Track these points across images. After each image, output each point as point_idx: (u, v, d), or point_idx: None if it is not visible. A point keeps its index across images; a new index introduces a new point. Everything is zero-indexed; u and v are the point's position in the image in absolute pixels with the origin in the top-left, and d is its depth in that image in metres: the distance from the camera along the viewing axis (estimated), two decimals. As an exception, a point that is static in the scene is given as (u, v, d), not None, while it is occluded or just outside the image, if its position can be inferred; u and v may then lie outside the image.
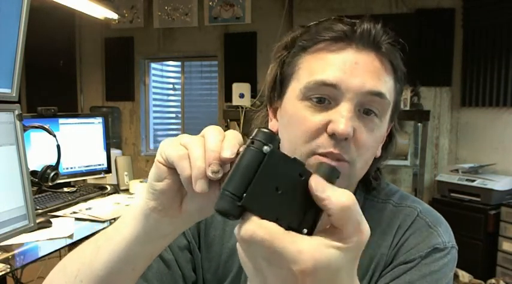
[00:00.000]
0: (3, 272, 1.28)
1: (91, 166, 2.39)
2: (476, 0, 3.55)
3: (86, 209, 1.96)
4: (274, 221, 0.35)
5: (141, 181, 2.37)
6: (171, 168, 0.43)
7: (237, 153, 0.39)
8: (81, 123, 2.35)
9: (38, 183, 1.87)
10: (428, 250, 0.64)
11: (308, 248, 0.34)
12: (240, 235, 0.35)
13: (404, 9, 3.82)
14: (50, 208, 1.90)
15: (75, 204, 2.04)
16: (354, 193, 0.70)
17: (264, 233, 0.34)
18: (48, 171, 1.86)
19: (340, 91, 0.60)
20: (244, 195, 0.35)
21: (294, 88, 0.64)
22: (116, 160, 2.45)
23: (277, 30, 3.70)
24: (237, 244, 0.37)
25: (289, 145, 0.63)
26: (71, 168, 2.29)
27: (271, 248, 0.34)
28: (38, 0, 1.66)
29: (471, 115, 3.68)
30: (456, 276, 3.00)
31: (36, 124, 1.86)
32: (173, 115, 4.95)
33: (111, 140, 3.32)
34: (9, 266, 1.32)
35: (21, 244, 1.48)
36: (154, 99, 4.97)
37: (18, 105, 1.26)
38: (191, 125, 4.87)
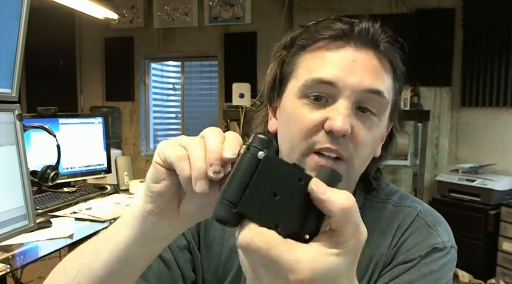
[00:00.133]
0: (3, 272, 1.28)
1: (91, 166, 2.39)
2: (476, 0, 3.55)
3: (86, 209, 1.96)
4: (273, 227, 0.34)
5: (141, 181, 2.37)
6: (169, 169, 0.42)
7: (238, 154, 0.39)
8: (81, 123, 2.35)
9: (38, 183, 1.87)
10: (427, 250, 0.64)
11: (305, 257, 0.33)
12: (238, 242, 0.35)
13: (404, 9, 3.83)
14: (50, 208, 1.90)
15: (75, 204, 2.04)
16: (354, 193, 0.70)
17: (261, 242, 0.33)
18: (48, 171, 1.86)
19: (338, 89, 0.60)
20: (240, 201, 0.35)
21: (293, 87, 0.65)
22: (116, 160, 2.45)
23: (277, 30, 3.70)
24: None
25: (288, 143, 0.64)
26: (71, 168, 2.29)
27: (267, 257, 0.33)
28: (38, 0, 1.66)
29: (471, 115, 3.68)
30: (456, 276, 3.00)
31: (36, 124, 1.86)
32: (173, 115, 4.95)
33: (111, 140, 3.32)
34: (9, 266, 1.32)
35: (21, 244, 1.48)
36: (154, 99, 4.97)
37: (18, 105, 1.26)
38: (191, 125, 4.87)
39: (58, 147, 1.88)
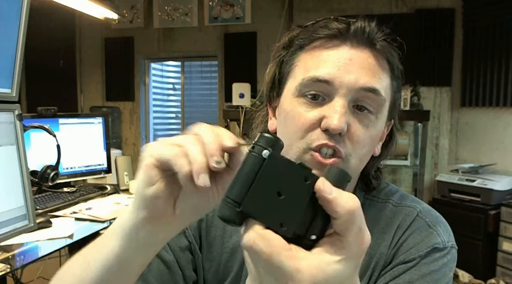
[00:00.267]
0: (3, 272, 1.28)
1: (91, 166, 2.39)
2: (476, 0, 3.55)
3: (86, 209, 1.96)
4: (278, 227, 0.34)
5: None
6: (163, 170, 0.42)
7: (238, 144, 0.39)
8: (81, 123, 2.35)
9: (38, 183, 1.87)
10: (428, 250, 0.64)
11: (307, 267, 0.33)
12: (242, 242, 0.35)
13: (404, 9, 3.82)
14: (50, 208, 1.90)
15: (75, 204, 2.04)
16: (354, 193, 0.70)
17: (263, 246, 0.33)
18: (48, 171, 1.86)
19: (334, 87, 0.60)
20: (244, 200, 0.34)
21: (291, 86, 0.65)
22: (116, 160, 2.45)
23: (277, 30, 3.70)
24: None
25: (286, 142, 0.64)
26: (71, 168, 2.29)
27: (269, 261, 0.33)
28: (38, 0, 1.66)
29: (471, 115, 3.68)
30: (456, 276, 3.00)
31: (36, 124, 1.86)
32: (173, 115, 4.95)
33: (111, 140, 3.32)
34: (9, 266, 1.32)
35: (21, 244, 1.48)
36: (155, 99, 4.97)
37: (18, 105, 1.26)
38: (191, 125, 4.85)
39: (58, 147, 1.88)
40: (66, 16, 4.18)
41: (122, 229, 0.46)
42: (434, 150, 3.84)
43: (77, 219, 1.82)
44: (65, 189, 2.22)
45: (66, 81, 4.92)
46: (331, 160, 0.60)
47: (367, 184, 0.72)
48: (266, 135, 0.37)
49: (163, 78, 4.99)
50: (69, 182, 2.33)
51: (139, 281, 0.64)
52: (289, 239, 0.35)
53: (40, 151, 2.06)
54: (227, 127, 3.43)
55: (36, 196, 1.99)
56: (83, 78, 5.00)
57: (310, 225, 0.35)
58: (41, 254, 1.46)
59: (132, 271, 0.49)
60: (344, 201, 0.34)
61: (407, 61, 0.69)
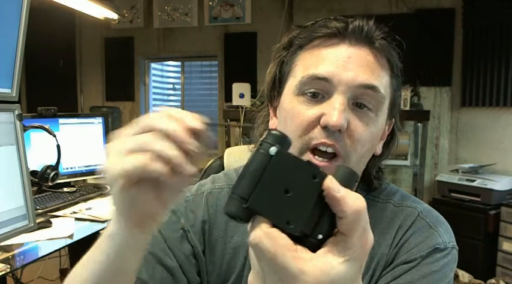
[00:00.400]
0: (3, 272, 1.28)
1: (91, 166, 2.39)
2: (476, 0, 3.55)
3: (86, 209, 1.96)
4: (285, 225, 0.34)
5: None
6: (137, 181, 0.39)
7: (205, 123, 0.39)
8: (81, 123, 2.35)
9: (38, 183, 1.87)
10: (429, 250, 0.64)
11: (311, 269, 0.33)
12: (249, 239, 0.35)
13: (404, 9, 3.82)
14: (50, 208, 1.90)
15: (75, 204, 2.04)
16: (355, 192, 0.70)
17: (269, 245, 0.33)
18: (48, 171, 1.86)
19: (333, 85, 0.61)
20: (251, 197, 0.34)
21: (291, 85, 0.66)
22: (116, 160, 2.45)
23: (277, 30, 3.70)
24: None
25: None
26: (71, 168, 2.29)
27: (274, 261, 0.33)
28: (38, 0, 1.66)
29: (471, 115, 3.68)
30: (456, 276, 3.00)
31: (36, 124, 1.86)
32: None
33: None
34: (9, 266, 1.32)
35: (21, 244, 1.48)
36: (154, 99, 4.97)
37: (18, 105, 1.26)
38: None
39: (58, 147, 1.88)
40: (66, 16, 4.18)
41: (111, 242, 0.45)
42: (434, 150, 3.84)
43: (77, 219, 1.82)
44: (65, 189, 2.21)
45: (66, 81, 4.92)
46: (326, 164, 0.60)
47: (369, 184, 0.72)
48: (274, 132, 0.37)
49: (163, 78, 4.99)
50: (69, 182, 2.33)
51: None
52: (296, 238, 0.34)
53: (40, 151, 2.06)
54: (227, 127, 3.43)
55: (36, 196, 1.99)
56: (83, 78, 5.00)
57: (317, 224, 0.35)
58: (41, 254, 1.46)
59: (128, 273, 0.49)
60: (351, 201, 0.34)
61: (407, 61, 0.69)
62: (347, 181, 0.35)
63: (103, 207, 2.01)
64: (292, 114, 0.63)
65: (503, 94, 3.45)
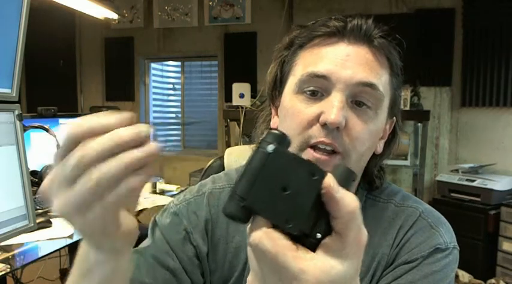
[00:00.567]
0: (3, 272, 1.28)
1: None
2: (476, 0, 3.55)
3: (86, 209, 1.96)
4: (283, 224, 0.34)
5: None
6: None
7: (138, 133, 0.36)
8: (81, 123, 2.35)
9: (38, 183, 1.87)
10: (430, 250, 0.64)
11: (312, 269, 0.33)
12: (249, 240, 0.35)
13: (404, 9, 3.82)
14: (50, 208, 1.90)
15: (75, 204, 2.03)
16: (356, 192, 0.71)
17: (270, 246, 0.33)
18: (48, 171, 1.86)
19: (331, 83, 0.61)
20: (248, 195, 0.34)
21: (291, 83, 0.66)
22: (116, 160, 2.44)
23: (277, 30, 3.70)
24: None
25: None
26: (71, 168, 2.29)
27: (274, 261, 0.34)
28: (38, 0, 1.66)
29: (471, 115, 3.68)
30: (456, 276, 2.99)
31: (36, 124, 1.86)
32: (173, 115, 4.95)
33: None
34: (9, 266, 1.32)
35: (21, 244, 1.48)
36: (154, 99, 4.97)
37: (18, 105, 1.26)
38: (191, 125, 4.87)
39: (58, 147, 1.88)
40: (66, 16, 4.18)
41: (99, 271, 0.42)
42: (434, 150, 3.84)
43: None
44: (65, 189, 2.21)
45: (66, 81, 4.92)
46: (326, 158, 0.60)
47: (370, 183, 0.72)
48: (273, 131, 0.37)
49: (163, 78, 4.99)
50: (69, 182, 2.32)
51: None
52: (295, 237, 0.34)
53: (40, 151, 2.06)
54: (227, 127, 3.43)
55: (36, 196, 1.99)
56: (83, 78, 5.00)
57: (315, 223, 0.35)
58: (41, 254, 1.45)
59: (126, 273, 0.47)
60: (347, 201, 0.34)
61: (407, 61, 0.70)
62: (344, 181, 0.35)
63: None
64: (292, 112, 0.64)
65: (503, 94, 3.45)
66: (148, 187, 2.44)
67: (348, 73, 0.61)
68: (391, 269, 0.65)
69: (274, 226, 0.35)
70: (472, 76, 3.60)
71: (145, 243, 0.70)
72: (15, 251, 1.43)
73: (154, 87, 4.95)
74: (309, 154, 0.61)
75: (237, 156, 1.06)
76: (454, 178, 3.33)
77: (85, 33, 4.88)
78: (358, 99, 0.62)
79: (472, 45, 3.58)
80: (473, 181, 3.20)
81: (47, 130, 1.85)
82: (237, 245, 0.70)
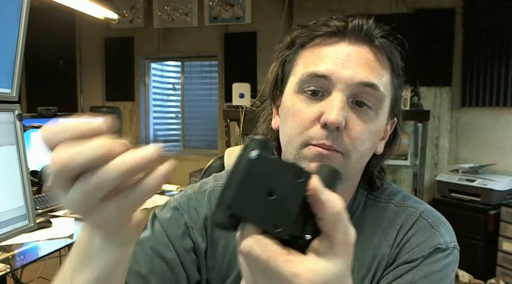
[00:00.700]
0: (3, 272, 1.28)
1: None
2: (476, 0, 3.55)
3: (86, 209, 1.96)
4: (272, 229, 0.34)
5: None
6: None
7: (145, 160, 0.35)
8: (81, 123, 2.35)
9: (38, 183, 1.87)
10: (430, 250, 0.64)
11: (304, 272, 0.33)
12: (239, 248, 0.35)
13: (404, 9, 3.82)
14: (50, 208, 1.90)
15: (75, 204, 2.03)
16: (356, 191, 0.71)
17: (261, 252, 0.33)
18: (48, 171, 1.86)
19: (332, 82, 0.61)
20: (234, 202, 0.34)
21: (292, 83, 0.66)
22: (116, 160, 2.45)
23: (277, 30, 3.70)
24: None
25: (286, 137, 0.65)
26: (71, 168, 2.29)
27: (266, 267, 0.34)
28: (38, 0, 1.66)
29: (471, 115, 3.68)
30: (456, 276, 3.00)
31: (36, 124, 1.86)
32: (173, 115, 4.95)
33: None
34: (9, 266, 1.32)
35: (21, 244, 1.48)
36: (155, 99, 4.97)
37: (18, 105, 1.26)
38: (191, 125, 4.87)
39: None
40: (66, 16, 4.18)
41: (90, 257, 0.42)
42: (434, 150, 3.84)
43: (77, 219, 1.81)
44: (65, 189, 2.21)
45: (66, 81, 4.92)
46: (327, 152, 0.60)
47: (371, 184, 0.72)
48: (256, 137, 0.36)
49: (163, 78, 4.99)
50: (69, 182, 2.32)
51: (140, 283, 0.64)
52: (284, 240, 0.34)
53: (40, 151, 2.06)
54: (227, 127, 3.43)
55: (36, 196, 1.99)
56: (83, 78, 5.00)
57: (304, 225, 0.35)
58: (41, 254, 1.45)
59: (121, 271, 0.46)
60: (332, 203, 0.34)
61: (407, 61, 0.69)
62: (330, 181, 0.35)
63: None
64: (292, 112, 0.64)
65: (503, 94, 3.45)
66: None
67: (348, 73, 0.61)
68: (392, 269, 0.65)
69: (264, 232, 0.34)
70: (472, 76, 3.60)
71: (144, 234, 0.70)
72: (15, 251, 1.43)
73: (155, 87, 4.95)
74: (311, 149, 0.61)
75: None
76: (454, 178, 3.33)
77: (85, 33, 4.88)
78: (359, 99, 0.62)
79: (472, 45, 3.59)
80: (473, 181, 3.20)
81: (47, 130, 1.85)
82: (236, 244, 0.70)
